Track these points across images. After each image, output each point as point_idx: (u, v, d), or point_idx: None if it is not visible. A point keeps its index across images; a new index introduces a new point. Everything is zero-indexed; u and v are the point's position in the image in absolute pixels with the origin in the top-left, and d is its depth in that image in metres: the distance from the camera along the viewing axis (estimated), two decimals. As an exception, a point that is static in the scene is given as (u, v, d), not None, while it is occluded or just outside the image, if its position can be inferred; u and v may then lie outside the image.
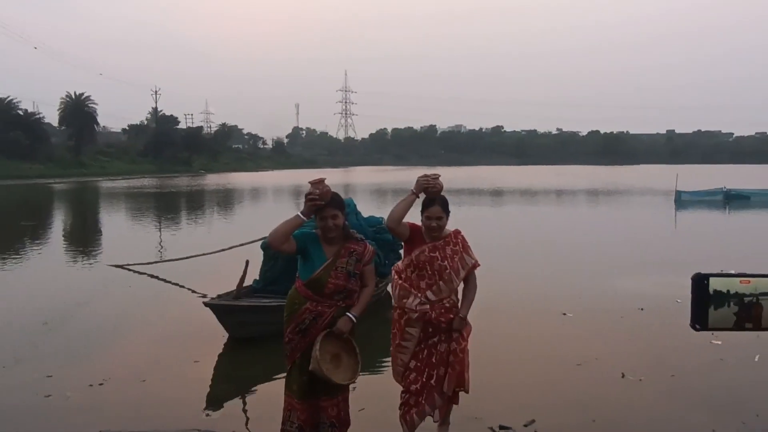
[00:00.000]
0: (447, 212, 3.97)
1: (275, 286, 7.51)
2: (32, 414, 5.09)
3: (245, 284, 7.61)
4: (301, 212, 3.67)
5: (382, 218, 7.87)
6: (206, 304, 7.04)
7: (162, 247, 15.59)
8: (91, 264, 13.14)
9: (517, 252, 14.37)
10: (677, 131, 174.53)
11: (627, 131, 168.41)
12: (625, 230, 19.15)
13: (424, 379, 3.92)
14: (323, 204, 3.68)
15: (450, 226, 4.08)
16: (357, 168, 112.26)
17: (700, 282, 0.96)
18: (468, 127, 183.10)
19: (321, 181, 3.70)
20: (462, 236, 4.09)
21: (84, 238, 18.75)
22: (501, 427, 4.64)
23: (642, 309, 8.54)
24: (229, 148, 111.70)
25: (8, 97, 66.90)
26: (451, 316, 3.92)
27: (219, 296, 7.36)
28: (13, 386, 5.74)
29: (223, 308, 6.94)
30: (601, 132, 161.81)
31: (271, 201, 34.40)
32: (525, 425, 4.69)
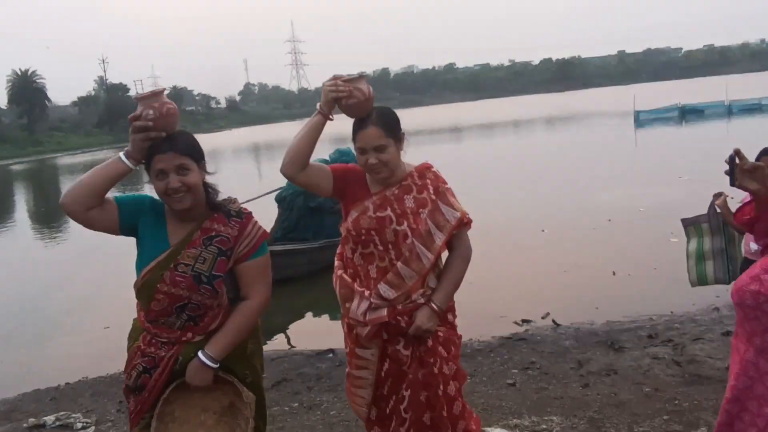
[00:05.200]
0: (395, 136, 2.32)
1: (293, 234, 8.42)
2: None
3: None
4: (125, 153, 2.09)
5: None
6: None
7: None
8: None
9: (486, 179, 15.24)
10: (627, 51, 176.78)
11: (579, 56, 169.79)
12: (587, 152, 20.17)
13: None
14: (161, 137, 2.06)
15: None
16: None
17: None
18: (420, 67, 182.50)
19: (157, 94, 2.11)
20: (434, 173, 2.46)
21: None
22: (524, 321, 5.64)
23: (610, 220, 9.58)
24: (182, 111, 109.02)
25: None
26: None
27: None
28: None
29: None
30: (553, 59, 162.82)
31: (249, 160, 34.62)
32: (542, 317, 5.69)
